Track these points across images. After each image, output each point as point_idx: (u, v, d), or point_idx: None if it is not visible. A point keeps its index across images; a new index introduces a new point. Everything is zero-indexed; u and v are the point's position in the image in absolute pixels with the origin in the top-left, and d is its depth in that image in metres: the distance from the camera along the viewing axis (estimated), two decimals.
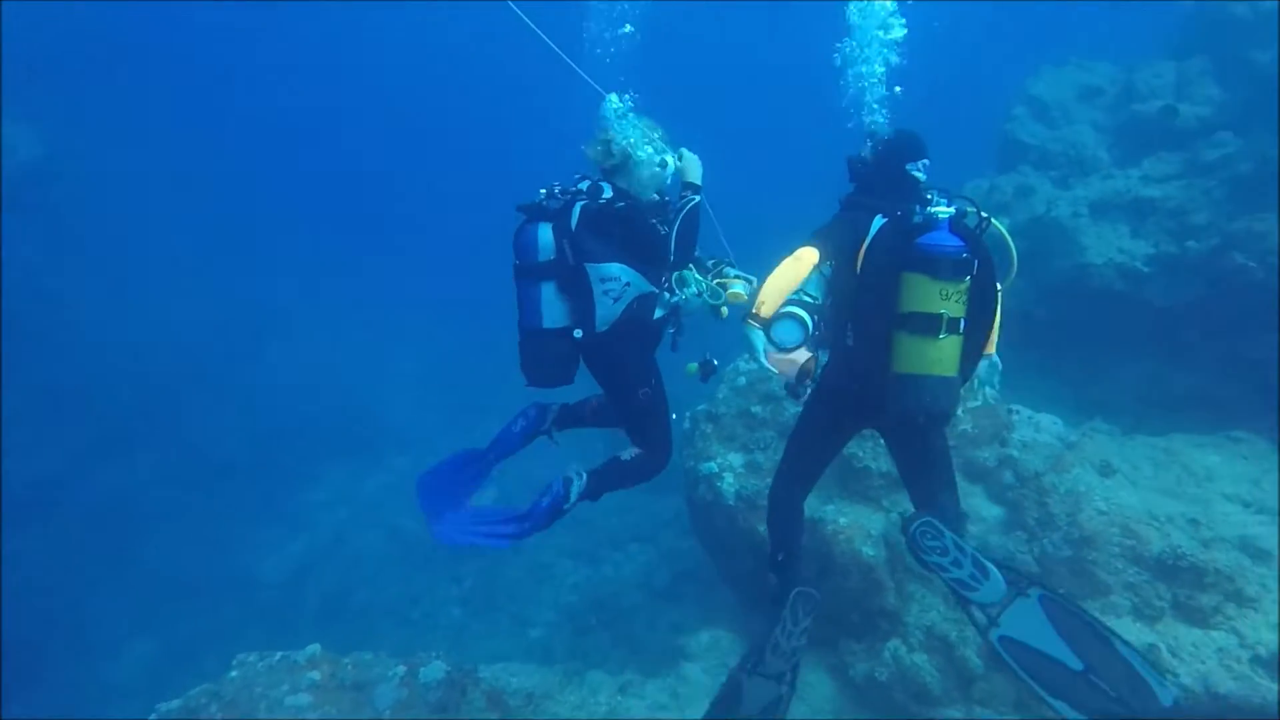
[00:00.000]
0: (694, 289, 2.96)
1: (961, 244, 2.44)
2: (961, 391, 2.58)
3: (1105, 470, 4.33)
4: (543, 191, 2.90)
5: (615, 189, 2.86)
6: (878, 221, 2.65)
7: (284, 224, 20.53)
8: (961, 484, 4.69)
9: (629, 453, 3.01)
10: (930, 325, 2.41)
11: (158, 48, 17.16)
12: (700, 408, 5.93)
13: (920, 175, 2.72)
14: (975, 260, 2.44)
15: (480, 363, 16.58)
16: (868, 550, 4.28)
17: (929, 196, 2.58)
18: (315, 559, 11.19)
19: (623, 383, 2.93)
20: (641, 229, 2.80)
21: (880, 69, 3.25)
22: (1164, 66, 7.81)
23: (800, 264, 2.58)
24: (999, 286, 2.62)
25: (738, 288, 3.04)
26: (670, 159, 3.00)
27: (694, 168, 3.01)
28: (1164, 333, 6.17)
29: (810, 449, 2.98)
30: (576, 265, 2.73)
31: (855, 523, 4.44)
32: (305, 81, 29.46)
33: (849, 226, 2.72)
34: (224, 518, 11.33)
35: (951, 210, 2.51)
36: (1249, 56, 7.00)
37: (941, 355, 2.45)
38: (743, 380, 5.75)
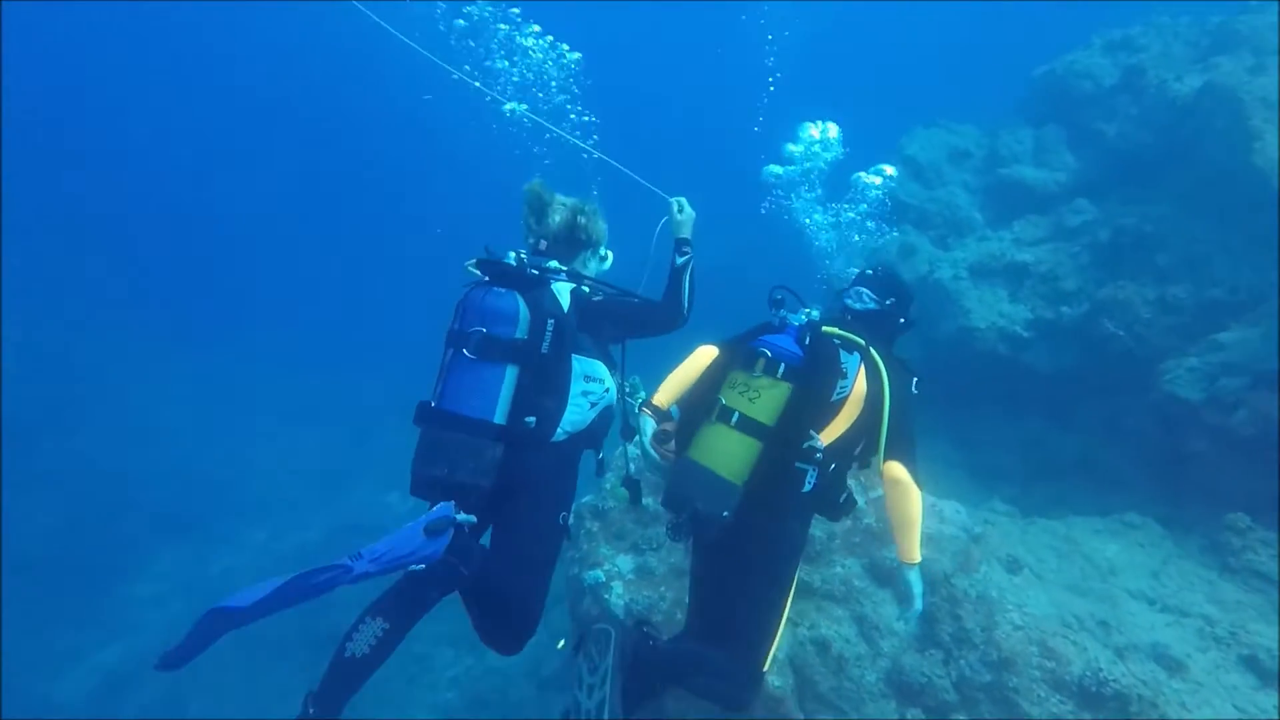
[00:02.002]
0: (644, 396, 2.67)
1: (792, 350, 2.33)
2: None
3: (1012, 566, 4.09)
4: (513, 254, 2.37)
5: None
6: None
7: (103, 267, 17.75)
8: (870, 588, 4.31)
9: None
10: (708, 409, 2.34)
11: None
12: (585, 499, 5.24)
13: (852, 304, 2.72)
14: (783, 364, 2.29)
15: (351, 419, 15.02)
16: (774, 681, 3.73)
17: (781, 312, 2.52)
18: (136, 667, 9.25)
19: (542, 503, 2.27)
20: (632, 310, 2.47)
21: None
22: (1024, 133, 8.18)
23: (696, 359, 2.59)
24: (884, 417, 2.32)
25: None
26: (610, 254, 2.72)
27: (690, 222, 2.73)
28: (1047, 396, 6.23)
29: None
30: (557, 355, 2.22)
31: None
32: (138, 118, 26.61)
33: (750, 329, 2.62)
34: (12, 629, 9.19)
35: (801, 319, 2.46)
36: (1097, 127, 7.42)
37: (715, 446, 2.25)
38: (631, 467, 5.12)
